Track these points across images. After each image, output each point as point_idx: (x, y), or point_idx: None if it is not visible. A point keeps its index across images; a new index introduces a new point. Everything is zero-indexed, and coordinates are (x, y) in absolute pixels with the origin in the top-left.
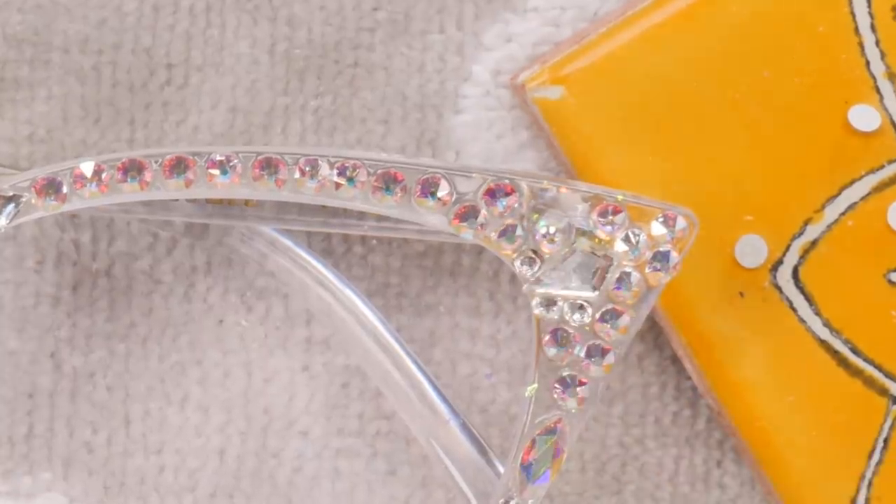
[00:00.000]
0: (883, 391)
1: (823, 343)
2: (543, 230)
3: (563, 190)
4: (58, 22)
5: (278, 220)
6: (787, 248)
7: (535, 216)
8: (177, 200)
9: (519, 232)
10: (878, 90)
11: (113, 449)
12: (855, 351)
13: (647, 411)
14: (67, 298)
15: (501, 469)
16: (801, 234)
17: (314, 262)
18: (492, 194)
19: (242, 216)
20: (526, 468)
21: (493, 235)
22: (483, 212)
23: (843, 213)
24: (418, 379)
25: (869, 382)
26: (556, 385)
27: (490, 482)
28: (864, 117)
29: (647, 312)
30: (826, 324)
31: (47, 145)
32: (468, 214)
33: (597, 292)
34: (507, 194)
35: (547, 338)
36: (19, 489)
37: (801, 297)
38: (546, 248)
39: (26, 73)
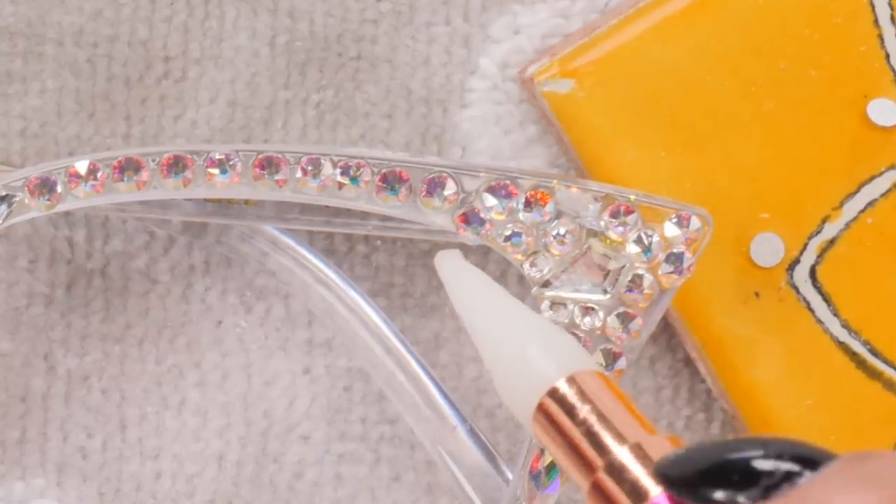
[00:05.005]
0: None
1: (842, 344)
2: (553, 231)
3: (574, 189)
4: (52, 13)
5: (279, 220)
6: (805, 247)
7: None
8: (174, 199)
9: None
10: None
11: (108, 454)
12: (874, 352)
13: (660, 415)
14: (61, 298)
15: (510, 475)
16: (818, 232)
17: (316, 261)
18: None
19: (242, 215)
20: (535, 476)
21: (501, 237)
22: None
23: (862, 211)
24: (424, 382)
25: (889, 385)
26: None
27: (498, 489)
28: (884, 111)
29: (660, 316)
30: (844, 324)
31: (41, 140)
32: (475, 215)
33: (608, 295)
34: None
35: None
36: (12, 495)
37: (819, 298)
38: (556, 249)
39: (19, 66)
